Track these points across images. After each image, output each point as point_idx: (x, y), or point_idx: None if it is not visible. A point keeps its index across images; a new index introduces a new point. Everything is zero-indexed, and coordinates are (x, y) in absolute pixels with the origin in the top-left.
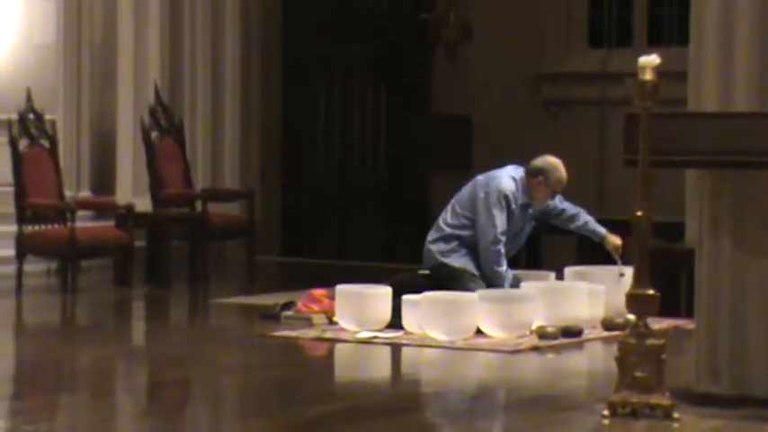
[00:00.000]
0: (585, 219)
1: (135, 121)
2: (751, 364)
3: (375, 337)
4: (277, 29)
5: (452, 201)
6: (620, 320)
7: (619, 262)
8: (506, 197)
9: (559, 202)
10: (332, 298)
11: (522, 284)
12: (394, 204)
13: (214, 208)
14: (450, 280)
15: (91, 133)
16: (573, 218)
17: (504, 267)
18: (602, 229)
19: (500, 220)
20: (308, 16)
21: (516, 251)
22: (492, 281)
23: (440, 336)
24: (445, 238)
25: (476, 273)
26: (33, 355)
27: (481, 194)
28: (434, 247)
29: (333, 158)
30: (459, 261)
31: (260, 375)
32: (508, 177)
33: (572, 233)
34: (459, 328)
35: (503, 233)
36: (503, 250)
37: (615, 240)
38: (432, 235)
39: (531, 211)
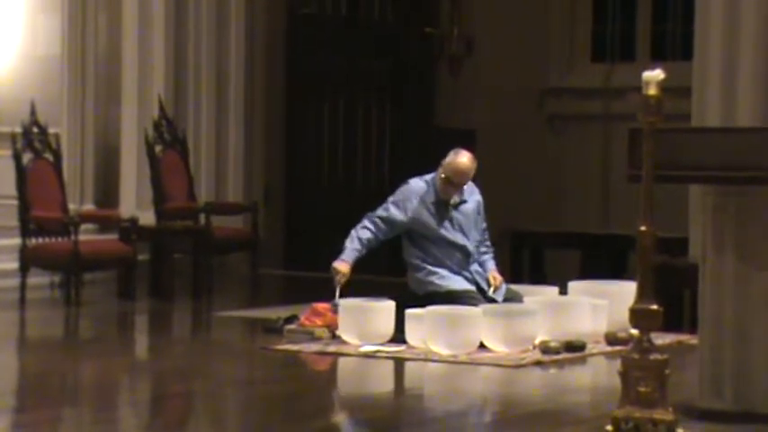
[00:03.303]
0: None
1: (139, 134)
2: (754, 379)
3: (378, 351)
4: (281, 43)
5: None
6: (623, 335)
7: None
8: (407, 190)
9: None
10: (335, 312)
11: (526, 299)
12: None
13: (217, 221)
14: (448, 303)
15: (95, 146)
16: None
17: (350, 237)
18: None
19: (387, 205)
20: (312, 31)
21: (479, 256)
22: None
23: (443, 350)
24: (413, 267)
25: (467, 288)
26: (36, 368)
27: None
28: (413, 286)
29: (336, 172)
30: (444, 281)
31: (263, 389)
32: (419, 178)
33: (575, 248)
34: (463, 343)
35: (384, 216)
36: (366, 224)
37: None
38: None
39: (466, 210)
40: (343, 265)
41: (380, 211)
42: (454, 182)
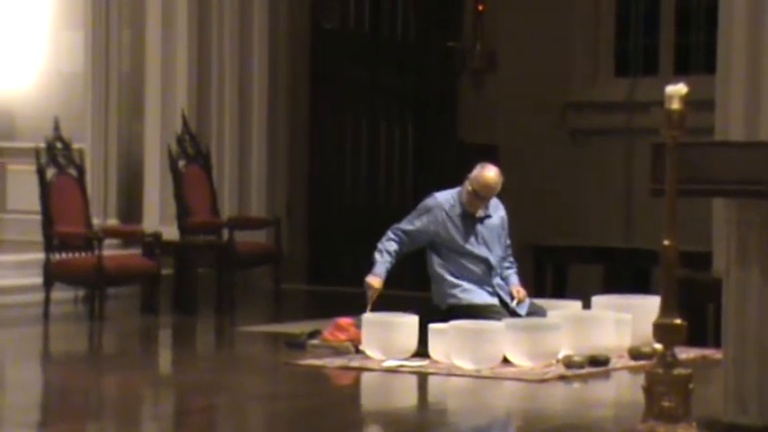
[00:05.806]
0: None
1: (162, 149)
2: None
3: (401, 366)
4: (304, 59)
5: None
6: (647, 350)
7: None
8: (432, 203)
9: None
10: (358, 327)
11: (549, 313)
12: None
13: (240, 236)
14: (470, 317)
15: (118, 161)
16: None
17: (378, 250)
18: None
19: (412, 218)
20: (335, 46)
21: (502, 271)
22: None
23: (466, 364)
24: (437, 279)
25: (490, 302)
26: (60, 383)
27: None
28: (436, 298)
29: (359, 185)
30: (466, 294)
31: (286, 404)
32: (445, 192)
33: (598, 262)
34: (486, 357)
35: (408, 229)
36: (391, 236)
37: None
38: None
39: (491, 225)
40: (375, 280)
41: (405, 224)
42: (481, 195)
